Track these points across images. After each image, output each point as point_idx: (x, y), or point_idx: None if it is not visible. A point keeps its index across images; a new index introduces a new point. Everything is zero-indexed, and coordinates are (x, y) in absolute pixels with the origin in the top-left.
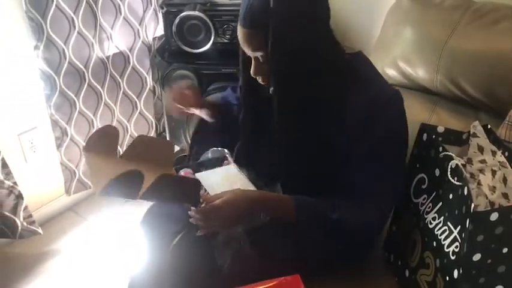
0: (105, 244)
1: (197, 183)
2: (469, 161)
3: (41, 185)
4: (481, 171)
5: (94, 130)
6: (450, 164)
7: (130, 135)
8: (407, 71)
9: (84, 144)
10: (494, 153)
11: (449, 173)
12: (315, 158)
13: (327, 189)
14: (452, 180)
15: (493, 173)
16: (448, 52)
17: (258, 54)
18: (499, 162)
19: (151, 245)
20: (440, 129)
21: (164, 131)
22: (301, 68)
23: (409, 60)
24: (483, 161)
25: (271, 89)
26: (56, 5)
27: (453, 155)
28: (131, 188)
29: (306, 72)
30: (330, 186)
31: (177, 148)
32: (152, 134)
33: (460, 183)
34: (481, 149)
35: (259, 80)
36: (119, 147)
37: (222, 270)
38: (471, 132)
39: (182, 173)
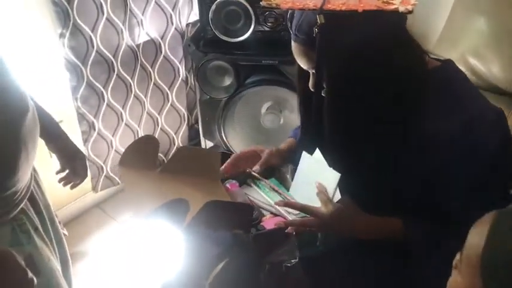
0: (136, 246)
1: (249, 208)
2: None
3: None
4: None
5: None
6: None
7: (161, 129)
8: (478, 68)
9: (120, 157)
10: None
11: None
12: (373, 177)
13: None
14: None
15: None
16: None
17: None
18: None
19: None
20: None
21: (196, 123)
22: (363, 85)
23: (481, 56)
24: None
25: (324, 107)
26: None
27: None
28: (176, 216)
29: (369, 82)
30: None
31: (210, 144)
32: (184, 127)
33: None
34: None
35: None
36: (161, 156)
37: None
38: None
39: (228, 185)
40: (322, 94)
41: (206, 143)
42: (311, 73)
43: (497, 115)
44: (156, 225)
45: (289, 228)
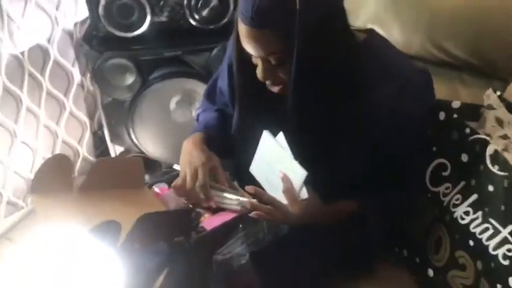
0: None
1: (185, 212)
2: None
3: None
4: (506, 149)
5: (40, 164)
6: (488, 149)
7: (62, 141)
8: (379, 32)
9: (30, 183)
10: None
11: (488, 160)
12: (336, 161)
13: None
14: (493, 169)
15: None
16: (428, 9)
17: (272, 56)
18: None
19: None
20: (456, 104)
21: (100, 129)
22: (328, 66)
23: (382, 22)
24: (505, 136)
25: (290, 89)
26: None
27: (488, 139)
28: (109, 239)
29: (331, 69)
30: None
31: (120, 149)
32: (87, 135)
33: (505, 174)
34: (500, 122)
35: (268, 83)
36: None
37: None
38: (485, 104)
39: (156, 189)
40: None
41: (115, 149)
42: (261, 60)
43: (426, 78)
44: (89, 249)
45: (254, 213)
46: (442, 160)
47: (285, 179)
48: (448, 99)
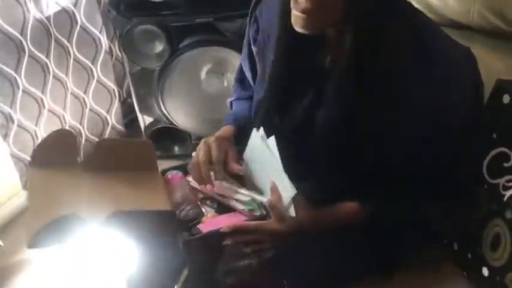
0: (85, 250)
1: (169, 215)
2: None
3: None
4: None
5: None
6: None
7: (90, 109)
8: (433, 2)
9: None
10: None
11: None
12: (367, 144)
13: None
14: None
15: None
16: None
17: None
18: None
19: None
20: None
21: (129, 97)
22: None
23: None
24: None
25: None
26: None
27: None
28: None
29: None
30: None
31: (149, 119)
32: (116, 103)
33: None
34: None
35: (308, 24)
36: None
37: None
38: None
39: (170, 176)
40: None
41: (144, 119)
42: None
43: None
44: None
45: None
46: (504, 149)
47: (274, 190)
48: (509, 75)
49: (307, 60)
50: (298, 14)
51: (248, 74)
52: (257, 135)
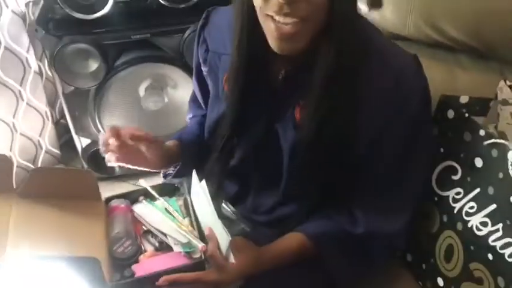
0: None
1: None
2: (503, 136)
3: None
4: None
5: None
6: (509, 156)
7: (21, 134)
8: (373, 16)
9: None
10: None
11: (510, 168)
12: (334, 155)
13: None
14: None
15: None
16: None
17: None
18: None
19: None
20: (464, 99)
21: (62, 117)
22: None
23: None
24: None
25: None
26: None
27: (508, 144)
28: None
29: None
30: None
31: (87, 141)
32: (49, 125)
33: None
34: None
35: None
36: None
37: None
38: (499, 98)
39: (114, 204)
40: None
41: (81, 141)
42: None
43: (417, 64)
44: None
45: None
46: (451, 163)
47: (211, 238)
48: (445, 83)
49: (261, 78)
50: (278, 38)
51: (198, 95)
52: (195, 177)
